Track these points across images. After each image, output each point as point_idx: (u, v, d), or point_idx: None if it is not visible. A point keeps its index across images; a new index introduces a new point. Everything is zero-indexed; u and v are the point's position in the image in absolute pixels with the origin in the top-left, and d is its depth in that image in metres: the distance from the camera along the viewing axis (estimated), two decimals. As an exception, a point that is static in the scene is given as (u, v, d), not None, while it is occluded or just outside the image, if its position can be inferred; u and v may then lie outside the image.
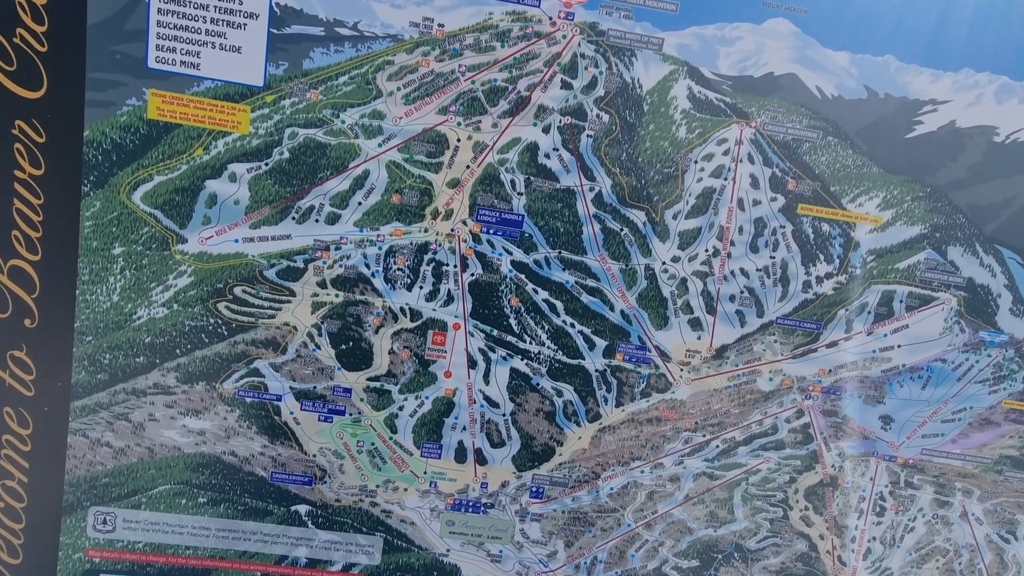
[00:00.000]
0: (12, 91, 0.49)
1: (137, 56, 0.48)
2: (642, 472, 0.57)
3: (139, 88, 0.49)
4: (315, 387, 0.54)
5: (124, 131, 0.50)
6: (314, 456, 0.55)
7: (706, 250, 0.53)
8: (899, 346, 0.55)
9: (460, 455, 0.56)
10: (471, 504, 0.57)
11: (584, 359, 0.54)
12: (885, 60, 0.50)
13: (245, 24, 0.48)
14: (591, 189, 0.52)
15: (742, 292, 0.54)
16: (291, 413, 0.54)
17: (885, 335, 0.55)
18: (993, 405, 0.56)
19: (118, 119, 0.49)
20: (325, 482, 0.56)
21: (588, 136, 0.51)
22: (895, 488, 0.58)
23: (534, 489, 0.57)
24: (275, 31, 0.48)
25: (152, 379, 0.54)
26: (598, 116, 0.51)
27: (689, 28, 0.49)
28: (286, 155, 0.50)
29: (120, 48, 0.48)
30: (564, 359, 0.54)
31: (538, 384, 0.55)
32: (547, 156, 0.51)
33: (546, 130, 0.51)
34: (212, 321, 0.53)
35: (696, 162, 0.52)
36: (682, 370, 0.55)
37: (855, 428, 0.56)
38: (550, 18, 0.49)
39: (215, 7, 0.48)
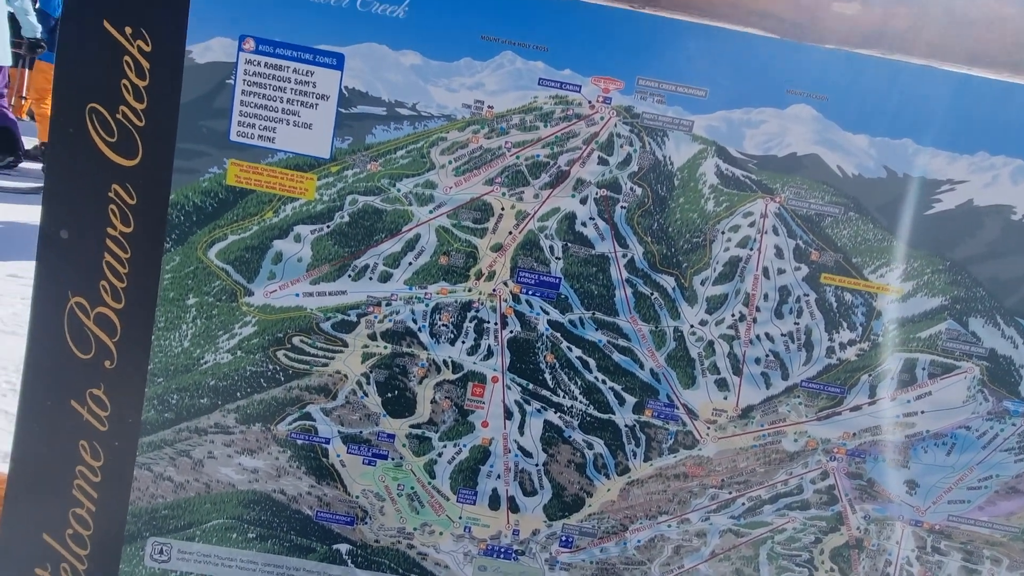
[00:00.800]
0: (111, 159, 0.55)
1: (221, 130, 0.54)
2: (669, 526, 0.58)
3: (221, 158, 0.54)
4: (361, 432, 0.57)
5: (205, 195, 0.55)
6: (357, 497, 0.58)
7: (733, 315, 0.56)
8: (923, 412, 0.56)
9: (494, 502, 0.58)
10: (503, 550, 0.59)
11: (614, 414, 0.57)
12: (903, 143, 0.53)
13: (317, 104, 0.54)
14: (624, 255, 0.55)
15: (767, 355, 0.56)
16: (338, 456, 0.58)
17: (908, 401, 0.56)
18: (1020, 474, 0.56)
19: (200, 184, 0.55)
20: (366, 523, 0.59)
21: (622, 207, 0.54)
22: (922, 553, 0.58)
23: (564, 538, 0.58)
24: (343, 110, 0.54)
25: (214, 419, 0.58)
26: (632, 189, 0.54)
27: (718, 112, 0.53)
28: (346, 219, 0.55)
29: (207, 123, 0.54)
30: (595, 414, 0.57)
31: (570, 437, 0.57)
32: (584, 224, 0.55)
33: (583, 201, 0.54)
34: (271, 367, 0.57)
35: (723, 232, 0.55)
36: (709, 428, 0.57)
37: (881, 491, 0.57)
38: (590, 102, 0.53)
39: (291, 89, 0.54)
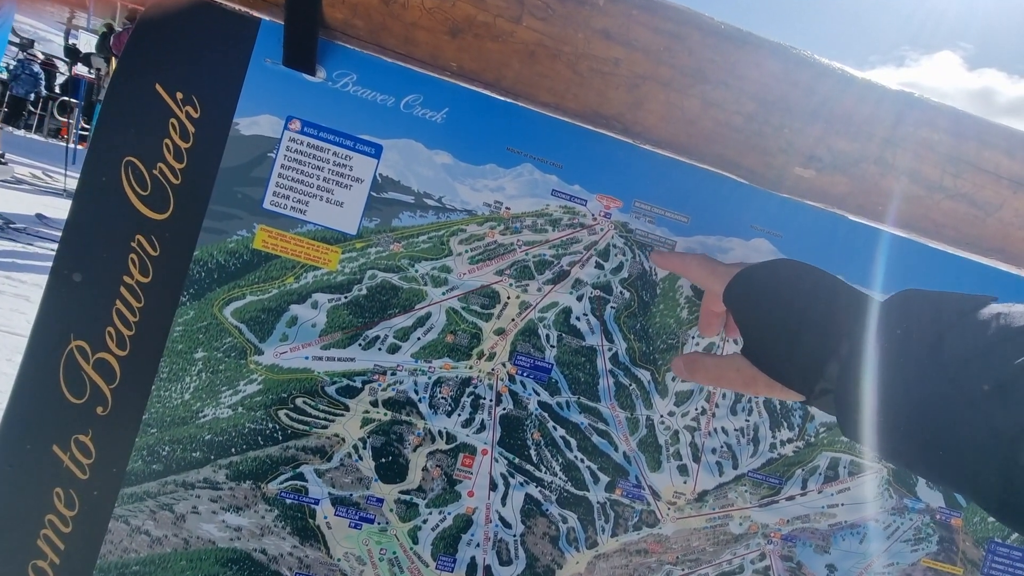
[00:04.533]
0: (140, 211, 0.55)
1: (255, 197, 0.56)
2: None
3: (251, 223, 0.55)
4: (351, 495, 0.57)
5: (230, 255, 0.56)
6: (339, 560, 0.58)
7: (696, 408, 0.62)
8: (842, 504, 0.61)
9: (471, 570, 0.56)
10: (474, 618, 0.59)
11: (589, 491, 0.58)
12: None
13: (351, 186, 0.57)
14: (610, 350, 0.59)
15: (722, 446, 0.62)
16: (325, 517, 0.57)
17: (832, 494, 0.63)
18: (914, 562, 0.61)
19: (227, 244, 0.55)
20: (344, 586, 0.58)
21: (612, 307, 0.58)
22: (837, 631, 0.64)
23: (532, 608, 0.60)
24: (374, 194, 0.57)
25: (203, 473, 0.56)
26: (621, 293, 0.59)
27: (696, 235, 0.61)
28: (364, 292, 0.57)
29: (242, 189, 0.56)
30: (572, 490, 0.58)
31: (547, 510, 0.58)
32: (577, 319, 0.59)
33: (579, 299, 0.58)
34: (271, 426, 0.57)
35: (693, 338, 0.62)
36: (669, 509, 0.60)
37: (807, 573, 0.64)
38: (593, 215, 0.59)
39: (329, 169, 0.56)
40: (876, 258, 0.60)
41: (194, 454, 0.53)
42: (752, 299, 0.45)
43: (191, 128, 0.53)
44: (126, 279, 0.52)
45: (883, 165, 0.53)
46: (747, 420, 0.60)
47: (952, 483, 0.34)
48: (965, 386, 0.32)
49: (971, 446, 0.32)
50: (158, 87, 0.52)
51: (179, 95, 0.52)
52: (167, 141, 0.53)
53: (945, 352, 0.34)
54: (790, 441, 0.60)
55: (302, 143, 0.53)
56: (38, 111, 9.27)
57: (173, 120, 0.53)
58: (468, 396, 0.56)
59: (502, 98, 0.55)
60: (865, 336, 0.39)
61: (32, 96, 8.77)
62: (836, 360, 0.39)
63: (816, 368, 0.40)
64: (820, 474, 0.61)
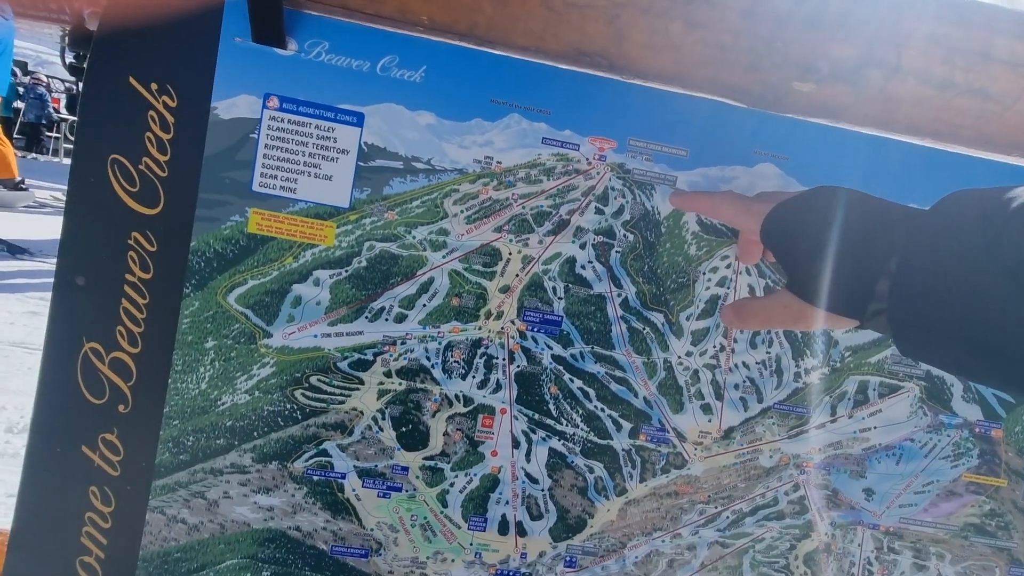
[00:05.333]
0: (132, 207, 0.55)
1: (243, 181, 0.55)
2: (663, 542, 0.58)
3: (243, 207, 0.55)
4: (376, 466, 0.57)
5: (226, 242, 0.56)
6: (371, 530, 0.58)
7: (714, 346, 0.60)
8: (875, 428, 0.59)
9: (503, 528, 0.57)
10: (512, 573, 0.60)
11: (613, 440, 0.57)
12: (851, 196, 0.60)
13: (337, 158, 0.56)
14: (619, 295, 0.57)
15: (744, 381, 0.60)
16: (353, 490, 0.57)
17: (863, 418, 0.60)
18: (955, 478, 0.60)
19: (222, 232, 0.55)
20: (380, 555, 0.59)
21: (617, 252, 0.57)
22: (880, 553, 0.63)
23: (568, 559, 0.60)
24: (362, 164, 0.56)
25: (230, 459, 0.57)
26: (625, 236, 0.57)
27: (697, 168, 0.59)
28: (364, 264, 0.56)
29: (230, 174, 0.55)
30: (595, 440, 0.58)
31: (573, 462, 0.58)
32: (583, 268, 0.57)
33: (582, 247, 0.56)
34: (288, 406, 0.57)
35: (704, 274, 0.60)
36: (696, 449, 0.59)
37: (844, 499, 0.63)
38: (587, 159, 0.56)
39: (313, 144, 0.55)
40: (892, 170, 0.57)
41: (218, 441, 0.53)
42: (790, 234, 0.43)
43: (170, 118, 0.52)
44: (128, 277, 0.52)
45: (887, 68, 0.50)
46: (768, 352, 0.58)
47: (1022, 387, 0.33)
48: None
49: None
50: (132, 80, 0.51)
51: (154, 86, 0.51)
52: (148, 134, 0.52)
53: (1004, 249, 0.32)
54: (815, 369, 0.58)
55: (283, 120, 0.52)
56: (53, 134, 9.40)
57: (152, 112, 0.52)
58: (481, 357, 0.55)
59: (479, 48, 0.52)
60: (915, 247, 0.36)
61: (44, 120, 8.89)
62: (887, 277, 0.37)
63: (866, 290, 0.38)
64: (849, 399, 0.59)
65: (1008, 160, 0.56)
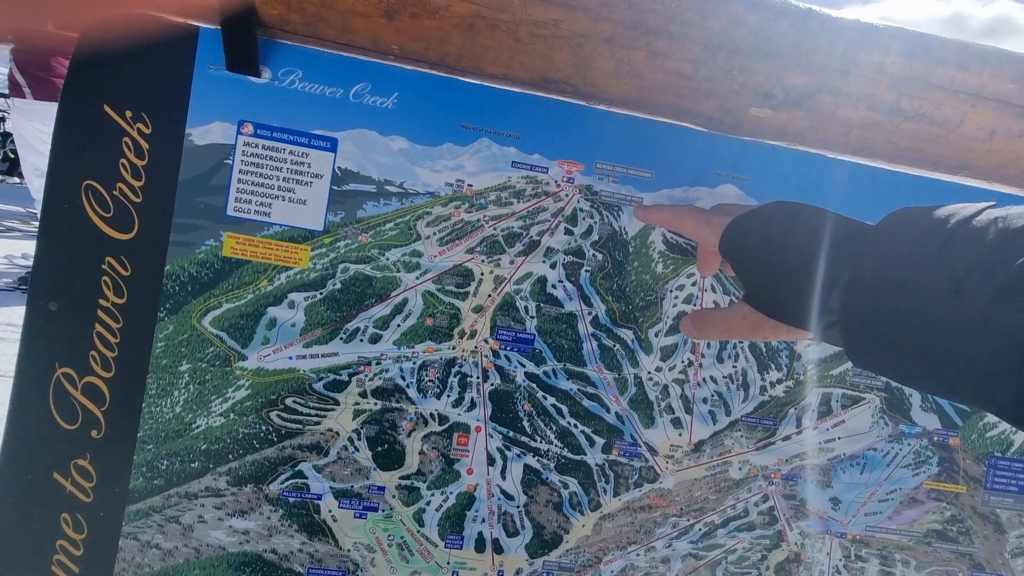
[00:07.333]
0: (106, 233, 0.55)
1: (217, 206, 0.55)
2: (638, 555, 0.59)
3: (217, 231, 0.55)
4: (352, 486, 0.57)
5: (200, 266, 0.56)
6: (348, 551, 0.58)
7: (683, 361, 0.62)
8: (839, 438, 0.61)
9: (480, 545, 0.57)
10: (488, 591, 0.60)
11: (586, 455, 0.58)
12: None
13: (311, 182, 0.56)
14: (589, 313, 0.58)
15: (712, 395, 0.62)
16: (329, 511, 0.57)
17: (827, 429, 0.62)
18: (917, 486, 0.62)
19: (196, 256, 0.55)
20: (357, 575, 0.58)
21: (586, 271, 0.58)
22: (848, 562, 0.64)
23: (545, 575, 0.61)
24: (335, 188, 0.57)
25: (204, 483, 0.56)
26: (594, 255, 0.59)
27: (662, 190, 0.60)
28: (338, 286, 0.57)
29: (204, 199, 0.55)
30: (569, 455, 0.58)
31: (547, 478, 0.58)
32: (553, 287, 0.58)
33: (553, 266, 0.57)
34: (264, 428, 0.57)
35: (671, 291, 0.61)
36: (667, 462, 0.60)
37: (811, 509, 0.64)
38: (556, 182, 0.58)
39: (288, 168, 0.56)
40: (845, 190, 0.59)
41: (192, 465, 0.53)
42: (748, 246, 0.44)
43: (144, 144, 0.52)
44: (102, 302, 0.52)
45: (838, 95, 0.52)
46: (735, 366, 0.59)
47: (968, 397, 0.34)
48: (970, 295, 0.31)
49: (983, 356, 0.31)
50: (107, 108, 0.52)
51: (128, 113, 0.52)
52: (123, 160, 0.52)
53: (947, 263, 0.33)
54: (780, 382, 0.60)
55: (257, 146, 0.53)
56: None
57: (126, 139, 0.52)
58: (455, 376, 0.56)
59: (449, 76, 0.54)
60: (865, 260, 0.38)
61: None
62: (839, 290, 0.38)
63: (820, 303, 0.39)
64: (813, 411, 0.60)
65: (952, 179, 0.58)
